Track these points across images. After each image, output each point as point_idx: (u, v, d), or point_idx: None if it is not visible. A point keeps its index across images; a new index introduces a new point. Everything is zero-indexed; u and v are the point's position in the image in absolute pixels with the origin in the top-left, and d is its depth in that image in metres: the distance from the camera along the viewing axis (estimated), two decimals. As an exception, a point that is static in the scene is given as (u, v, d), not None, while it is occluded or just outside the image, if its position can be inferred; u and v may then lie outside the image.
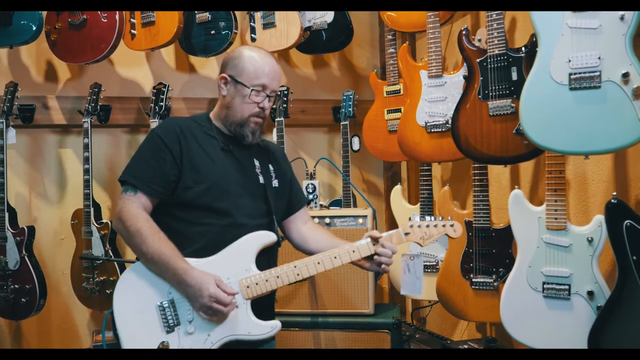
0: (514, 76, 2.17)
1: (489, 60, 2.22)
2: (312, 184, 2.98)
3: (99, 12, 2.78)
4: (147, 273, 1.74)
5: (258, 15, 3.02)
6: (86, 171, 2.88)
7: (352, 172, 3.24)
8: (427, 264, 2.79)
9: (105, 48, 2.80)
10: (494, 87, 2.21)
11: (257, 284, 1.74)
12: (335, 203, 3.28)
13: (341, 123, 3.21)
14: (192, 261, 1.72)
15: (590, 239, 1.98)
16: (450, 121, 2.40)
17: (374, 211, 2.64)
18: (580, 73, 1.81)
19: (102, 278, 2.86)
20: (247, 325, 1.72)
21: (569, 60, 1.82)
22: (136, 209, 1.73)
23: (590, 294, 1.98)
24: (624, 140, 1.76)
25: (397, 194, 3.01)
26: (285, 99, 3.10)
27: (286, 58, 3.56)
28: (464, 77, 2.33)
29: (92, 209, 2.88)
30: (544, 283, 2.06)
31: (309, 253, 1.90)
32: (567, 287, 2.01)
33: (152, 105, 2.94)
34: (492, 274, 2.41)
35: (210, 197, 1.76)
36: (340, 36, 3.12)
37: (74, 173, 3.18)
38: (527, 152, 2.15)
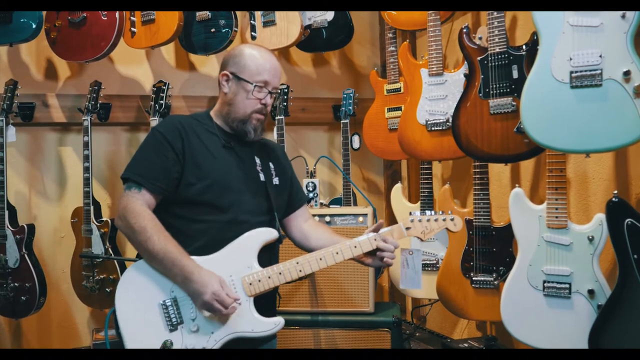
0: (515, 74, 2.17)
1: (489, 58, 2.22)
2: (312, 182, 2.97)
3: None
4: (149, 271, 1.74)
5: (258, 13, 3.02)
6: (86, 169, 2.87)
7: (352, 170, 3.24)
8: (428, 262, 2.79)
9: (105, 46, 2.80)
10: (494, 86, 2.21)
11: (259, 280, 1.74)
12: (336, 201, 3.28)
13: (341, 121, 3.20)
14: (194, 259, 1.71)
15: (591, 237, 1.98)
16: (450, 119, 2.39)
17: (374, 209, 2.64)
18: (581, 71, 1.80)
19: (102, 276, 2.86)
20: (250, 323, 1.72)
21: (570, 59, 1.81)
22: (140, 206, 1.72)
23: (591, 292, 1.97)
24: (625, 138, 1.76)
25: (398, 192, 3.01)
26: (285, 97, 3.10)
27: (286, 56, 3.56)
28: (465, 75, 2.32)
29: (92, 207, 2.88)
30: (544, 282, 2.06)
31: (310, 250, 1.90)
32: (567, 285, 2.01)
33: (152, 103, 2.94)
34: (492, 272, 2.40)
35: (212, 194, 1.77)
36: (341, 34, 3.12)
37: (73, 171, 3.18)
38: (528, 151, 2.15)
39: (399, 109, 2.95)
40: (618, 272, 1.85)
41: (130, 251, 3.09)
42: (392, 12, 2.88)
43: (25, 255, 2.83)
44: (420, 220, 1.84)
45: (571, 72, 1.81)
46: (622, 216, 1.84)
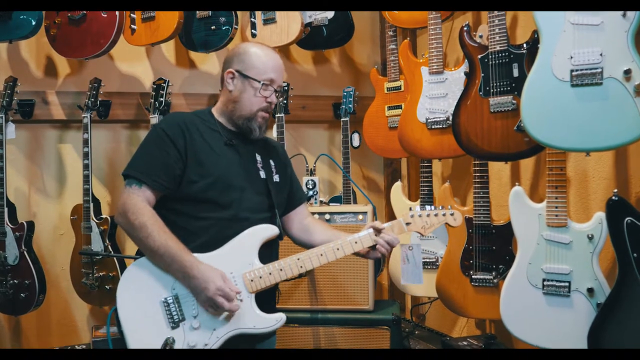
0: (516, 73, 2.17)
1: (490, 56, 2.22)
2: (312, 180, 2.97)
3: (98, 6, 2.78)
4: (150, 269, 1.74)
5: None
6: (86, 166, 2.87)
7: (352, 168, 3.24)
8: (427, 260, 2.79)
9: (105, 43, 2.79)
10: (495, 84, 2.21)
11: (260, 277, 1.75)
12: (335, 199, 3.28)
13: (341, 119, 3.20)
14: (196, 256, 1.72)
15: (590, 236, 1.98)
16: (451, 118, 2.39)
17: (374, 207, 2.64)
18: (582, 70, 1.80)
19: (101, 274, 2.86)
20: (252, 319, 1.73)
21: (571, 57, 1.81)
22: (141, 202, 1.72)
23: (590, 291, 1.98)
24: (625, 137, 1.76)
25: (397, 190, 3.01)
26: (285, 94, 3.10)
27: (286, 54, 3.55)
28: (465, 73, 2.32)
29: (91, 205, 2.87)
30: (544, 280, 2.06)
31: (310, 247, 1.90)
32: (567, 284, 2.01)
33: (152, 100, 2.93)
34: (492, 270, 2.40)
35: (214, 191, 1.77)
36: (341, 32, 3.11)
37: (73, 168, 3.18)
38: (528, 149, 2.15)
39: (399, 107, 2.95)
40: (617, 270, 1.85)
41: (130, 248, 3.09)
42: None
43: (25, 253, 2.83)
44: (420, 216, 1.85)
45: (572, 71, 1.81)
46: (622, 215, 1.84)
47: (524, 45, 2.18)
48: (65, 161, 3.20)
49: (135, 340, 1.71)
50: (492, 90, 2.21)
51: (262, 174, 1.89)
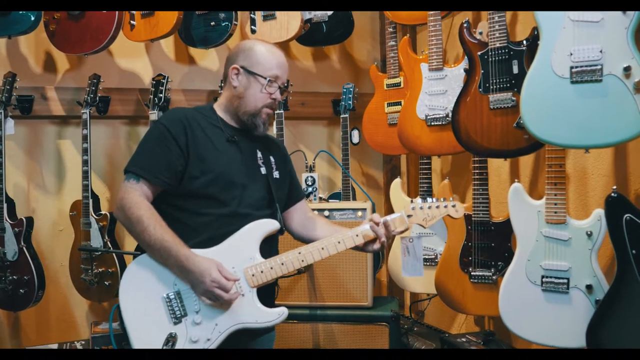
0: (515, 69, 2.17)
1: (490, 53, 2.21)
2: (311, 176, 2.97)
3: (98, 2, 2.77)
4: (152, 265, 1.74)
5: (258, 7, 3.01)
6: (85, 162, 2.87)
7: (351, 165, 3.24)
8: (426, 257, 2.79)
9: (105, 39, 2.78)
10: (494, 81, 2.20)
11: (262, 272, 1.75)
12: (335, 196, 3.28)
13: (341, 116, 3.20)
14: (197, 251, 1.72)
15: (589, 232, 1.98)
16: (450, 114, 2.39)
17: (373, 204, 2.64)
18: (581, 66, 1.80)
19: (100, 270, 2.86)
20: (254, 313, 1.73)
21: (571, 54, 1.81)
22: (138, 197, 1.73)
23: (589, 287, 1.98)
24: (625, 134, 1.76)
25: (397, 187, 3.01)
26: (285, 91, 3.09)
27: (286, 50, 3.54)
28: (465, 70, 2.32)
29: (90, 201, 2.87)
30: (542, 277, 2.06)
31: (310, 242, 1.90)
32: (565, 280, 2.02)
33: (152, 96, 2.93)
34: (491, 267, 2.41)
35: (216, 187, 1.77)
36: (341, 28, 3.11)
37: (72, 164, 3.17)
38: (528, 146, 2.15)
39: (399, 103, 2.95)
40: (616, 267, 1.86)
41: (129, 244, 3.09)
42: (393, 6, 2.87)
43: (24, 248, 2.83)
44: (421, 208, 1.84)
45: (571, 68, 1.81)
46: (621, 212, 1.84)
47: (524, 42, 2.17)
48: (65, 157, 3.20)
49: (138, 337, 1.71)
50: (491, 87, 2.21)
51: (263, 170, 1.90)
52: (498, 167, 2.82)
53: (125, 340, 1.73)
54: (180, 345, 1.69)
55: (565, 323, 2.02)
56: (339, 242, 1.80)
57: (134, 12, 2.89)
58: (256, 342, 1.88)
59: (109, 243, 2.88)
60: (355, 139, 3.30)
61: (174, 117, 1.83)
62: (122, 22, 2.83)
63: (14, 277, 2.82)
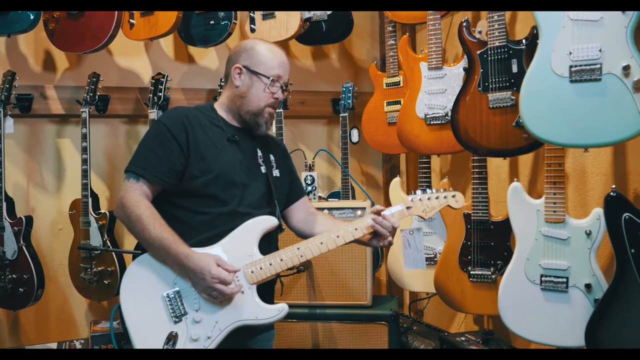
0: (515, 68, 2.17)
1: (489, 52, 2.21)
2: (310, 175, 2.97)
3: (97, 1, 2.77)
4: (152, 265, 1.75)
5: (257, 5, 3.01)
6: (84, 161, 2.87)
7: (351, 164, 3.24)
8: (426, 256, 2.78)
9: (104, 37, 2.78)
10: (494, 80, 2.20)
11: (261, 268, 1.75)
12: (334, 195, 3.28)
13: (340, 115, 3.20)
14: (197, 250, 1.72)
15: (588, 232, 1.98)
16: (449, 113, 2.39)
17: (372, 203, 2.63)
18: (581, 65, 1.80)
19: (100, 268, 2.86)
20: (254, 310, 1.73)
21: (570, 53, 1.81)
22: (137, 195, 1.73)
23: (588, 286, 1.98)
24: (624, 133, 1.76)
25: (396, 186, 3.01)
26: (284, 90, 3.09)
27: (286, 49, 3.50)
28: (464, 69, 2.32)
29: (90, 199, 2.87)
30: (541, 276, 2.06)
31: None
32: (564, 279, 2.02)
33: (151, 95, 2.93)
34: (490, 266, 2.41)
35: (216, 186, 1.77)
36: (340, 27, 3.11)
37: (72, 163, 3.17)
38: (527, 145, 2.15)
39: (398, 102, 2.95)
40: (615, 266, 1.86)
41: (129, 243, 3.09)
42: (392, 5, 2.87)
43: (23, 247, 2.83)
44: (420, 199, 1.83)
45: (571, 67, 1.81)
46: (620, 211, 1.84)
47: (523, 41, 2.17)
48: (64, 156, 3.20)
49: (139, 336, 1.72)
50: (491, 86, 2.21)
51: (263, 169, 1.90)
52: (497, 166, 2.82)
53: (125, 340, 1.74)
54: (180, 343, 1.70)
55: (564, 322, 2.02)
56: (337, 236, 1.79)
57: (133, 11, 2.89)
58: (255, 341, 1.88)
59: (108, 242, 2.88)
60: (355, 138, 3.30)
61: (174, 116, 1.83)
62: (121, 21, 2.83)
63: (14, 276, 2.82)
